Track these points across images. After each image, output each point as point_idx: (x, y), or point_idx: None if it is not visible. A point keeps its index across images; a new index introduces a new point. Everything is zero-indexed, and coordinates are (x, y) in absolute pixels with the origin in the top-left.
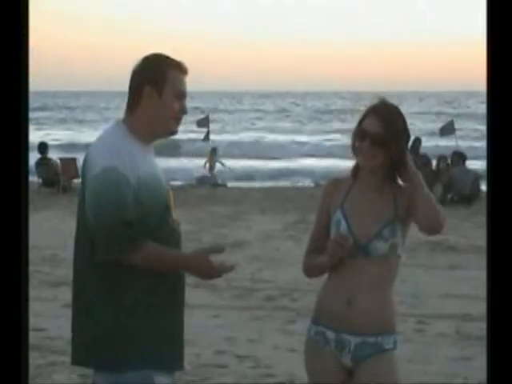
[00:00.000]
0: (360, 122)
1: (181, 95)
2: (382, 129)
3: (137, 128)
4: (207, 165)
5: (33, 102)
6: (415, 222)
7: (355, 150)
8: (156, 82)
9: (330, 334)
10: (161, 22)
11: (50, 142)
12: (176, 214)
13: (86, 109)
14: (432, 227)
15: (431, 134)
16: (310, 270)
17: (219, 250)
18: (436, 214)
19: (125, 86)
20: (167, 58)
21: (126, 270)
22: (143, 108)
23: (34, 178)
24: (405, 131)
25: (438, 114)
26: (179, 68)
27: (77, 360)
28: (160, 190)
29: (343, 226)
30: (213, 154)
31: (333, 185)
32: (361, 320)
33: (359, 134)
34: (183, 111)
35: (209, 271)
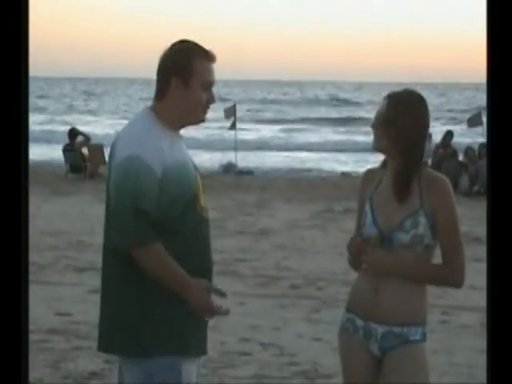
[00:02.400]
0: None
1: (208, 85)
2: (386, 111)
3: (164, 116)
4: None
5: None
6: None
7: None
8: (183, 74)
9: (359, 322)
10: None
11: None
12: (204, 201)
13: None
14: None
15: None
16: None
17: (221, 294)
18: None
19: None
20: (194, 46)
21: None
22: (170, 97)
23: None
24: (413, 114)
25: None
26: (206, 57)
27: (103, 346)
28: (187, 178)
29: (369, 218)
30: None
31: (367, 176)
32: (387, 309)
33: (375, 116)
34: (211, 101)
35: (205, 306)
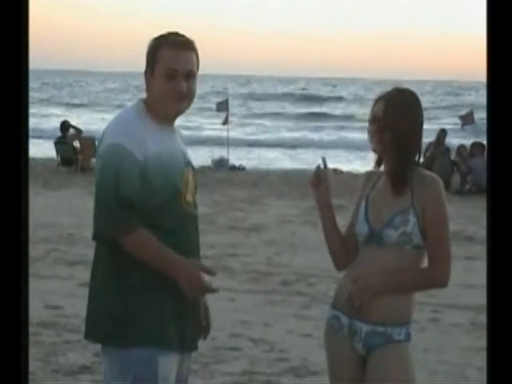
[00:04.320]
0: (372, 108)
1: (172, 73)
2: (386, 112)
3: (150, 107)
4: None
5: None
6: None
7: (368, 135)
8: (149, 63)
9: (344, 320)
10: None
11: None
12: (193, 197)
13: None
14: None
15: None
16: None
17: (210, 272)
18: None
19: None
20: (163, 35)
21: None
22: (148, 89)
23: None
24: (410, 117)
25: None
26: (172, 44)
27: (87, 334)
28: (171, 170)
29: (361, 214)
30: None
31: (366, 177)
32: (371, 308)
33: (370, 118)
34: (177, 90)
35: (197, 283)
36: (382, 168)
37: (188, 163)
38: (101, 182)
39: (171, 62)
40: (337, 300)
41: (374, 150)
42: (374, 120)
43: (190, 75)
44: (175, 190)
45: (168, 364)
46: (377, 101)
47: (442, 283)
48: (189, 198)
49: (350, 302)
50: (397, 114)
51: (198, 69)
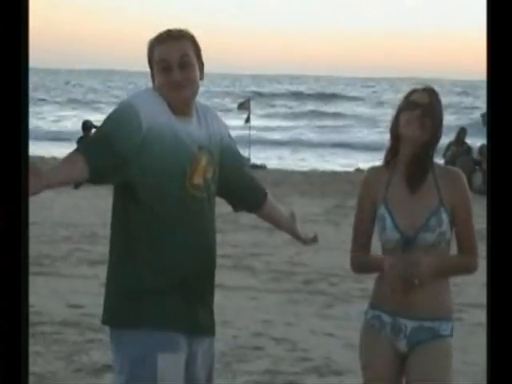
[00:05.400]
0: (407, 97)
1: (166, 66)
2: (431, 99)
3: None
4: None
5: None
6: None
7: (400, 123)
8: (149, 66)
9: (387, 318)
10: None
11: None
12: (204, 179)
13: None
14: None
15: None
16: (360, 269)
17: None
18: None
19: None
20: (155, 36)
21: (137, 229)
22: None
23: None
24: (442, 110)
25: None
26: (159, 40)
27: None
28: (175, 148)
29: (388, 222)
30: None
31: (373, 174)
32: (418, 304)
33: (409, 105)
34: (171, 80)
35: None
36: (387, 163)
37: (202, 147)
38: (99, 127)
39: (160, 54)
40: (377, 299)
41: (410, 133)
42: (415, 106)
43: (184, 63)
44: (178, 170)
45: (151, 344)
46: (414, 91)
47: (476, 268)
48: (197, 180)
49: (400, 276)
50: (439, 104)
51: (199, 57)
